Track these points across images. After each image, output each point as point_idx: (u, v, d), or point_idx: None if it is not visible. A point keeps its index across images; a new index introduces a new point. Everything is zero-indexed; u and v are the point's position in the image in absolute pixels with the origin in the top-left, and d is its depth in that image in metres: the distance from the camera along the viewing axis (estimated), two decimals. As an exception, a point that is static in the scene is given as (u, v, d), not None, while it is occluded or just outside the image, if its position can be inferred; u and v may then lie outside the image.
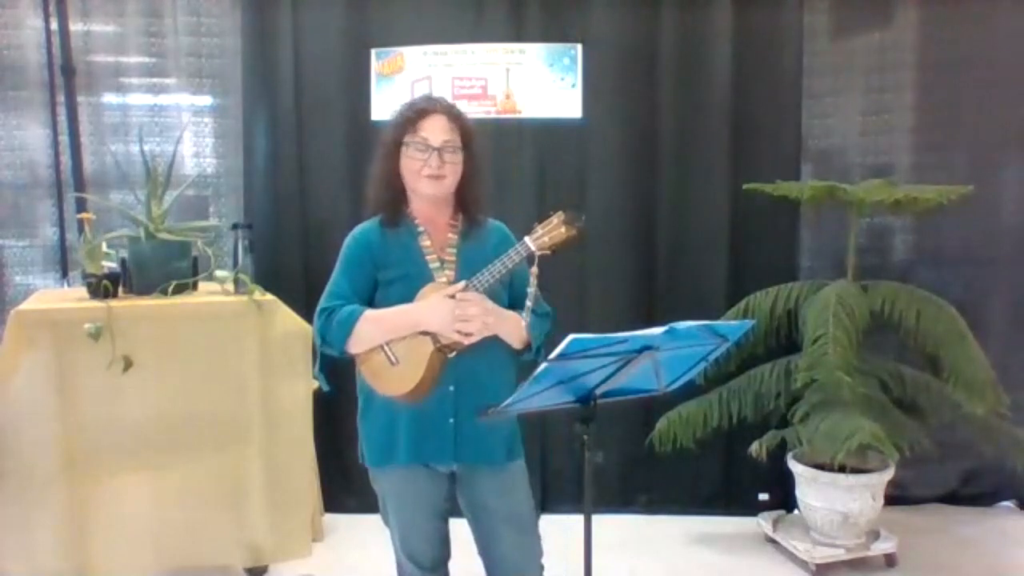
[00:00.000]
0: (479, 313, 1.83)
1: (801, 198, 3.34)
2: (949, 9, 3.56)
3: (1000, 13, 3.53)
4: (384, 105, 3.65)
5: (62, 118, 3.54)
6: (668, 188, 3.68)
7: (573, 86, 3.65)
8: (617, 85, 3.65)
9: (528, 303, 1.87)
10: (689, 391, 3.04)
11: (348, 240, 2.01)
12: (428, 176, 1.91)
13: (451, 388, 1.91)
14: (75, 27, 3.53)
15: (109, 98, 3.62)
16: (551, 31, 3.64)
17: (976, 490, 3.77)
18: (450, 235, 1.99)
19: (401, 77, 3.65)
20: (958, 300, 3.27)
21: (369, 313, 1.90)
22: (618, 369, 1.66)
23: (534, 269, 1.85)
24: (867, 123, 3.69)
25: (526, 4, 3.62)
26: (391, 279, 1.93)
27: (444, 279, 1.92)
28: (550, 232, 1.85)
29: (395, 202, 1.98)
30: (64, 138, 3.55)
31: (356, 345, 1.89)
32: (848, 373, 2.88)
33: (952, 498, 3.78)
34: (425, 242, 1.96)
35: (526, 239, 1.86)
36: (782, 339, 3.40)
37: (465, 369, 1.89)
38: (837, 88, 3.69)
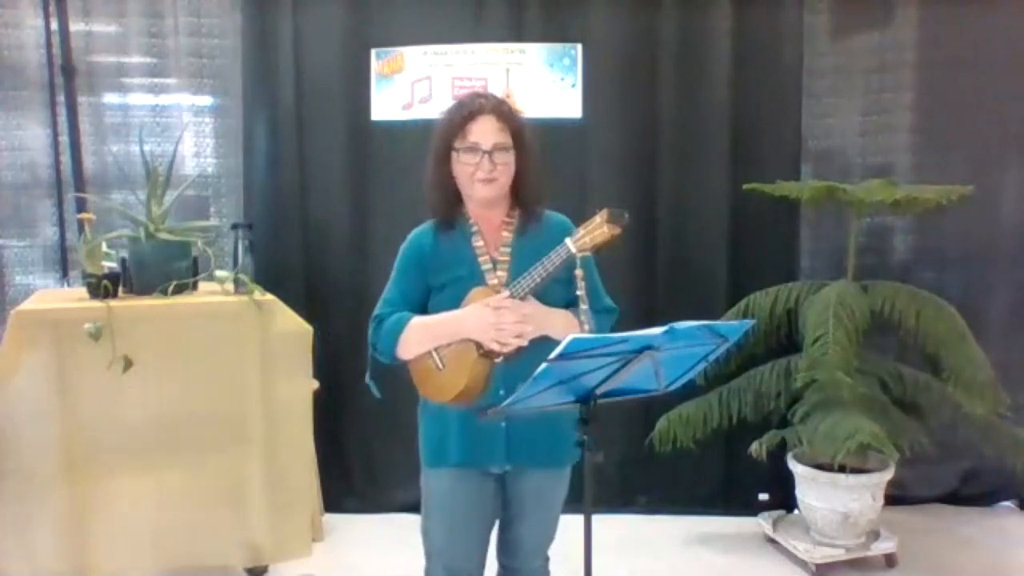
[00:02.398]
0: (515, 321, 1.81)
1: (801, 198, 3.34)
2: (949, 9, 3.56)
3: (1000, 13, 3.53)
4: (384, 105, 3.66)
5: (62, 118, 3.54)
6: (668, 188, 3.68)
7: (573, 86, 3.65)
8: (617, 85, 3.65)
9: (582, 306, 1.84)
10: (689, 391, 3.05)
11: (403, 248, 2.01)
12: (481, 180, 1.89)
13: (501, 392, 1.86)
14: (76, 27, 3.53)
15: (109, 98, 3.62)
16: (551, 31, 3.64)
17: (976, 490, 3.77)
18: (504, 233, 1.97)
19: (401, 77, 3.65)
20: (958, 300, 3.28)
21: (415, 321, 1.91)
22: (618, 369, 1.66)
23: (579, 272, 1.82)
24: (867, 123, 3.69)
25: (526, 4, 3.62)
26: (443, 283, 1.93)
27: (495, 280, 1.91)
28: (591, 232, 1.81)
29: (449, 206, 1.96)
30: (64, 138, 3.55)
31: (405, 352, 1.91)
32: (848, 373, 2.88)
33: (952, 498, 3.78)
34: (478, 242, 1.95)
35: (567, 241, 1.83)
36: (782, 339, 3.40)
37: (516, 373, 1.81)
38: (837, 88, 3.69)
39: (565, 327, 1.88)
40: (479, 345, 1.86)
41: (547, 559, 2.13)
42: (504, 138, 1.90)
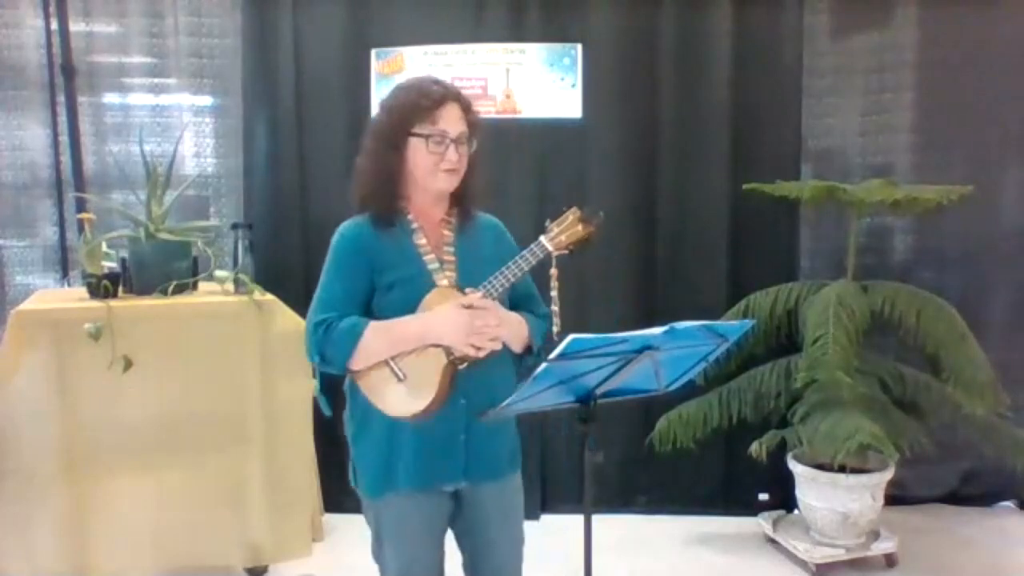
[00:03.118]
0: (496, 323, 1.72)
1: (801, 198, 3.34)
2: (949, 9, 3.56)
3: (1000, 13, 3.53)
4: (384, 105, 3.66)
5: (62, 118, 3.54)
6: (668, 188, 3.68)
7: (573, 86, 3.65)
8: (617, 85, 3.65)
9: (554, 307, 1.78)
10: (689, 391, 3.04)
11: (337, 241, 1.83)
12: (446, 171, 1.77)
13: (462, 401, 1.78)
14: (76, 27, 3.53)
15: (110, 98, 3.62)
16: (551, 31, 3.64)
17: (976, 490, 3.77)
18: (445, 232, 1.85)
19: (401, 77, 3.65)
20: (958, 300, 3.27)
21: (374, 325, 1.73)
22: (618, 369, 1.66)
23: (554, 271, 1.76)
24: (867, 123, 3.69)
25: (526, 4, 3.62)
26: (390, 283, 1.77)
27: (445, 281, 1.78)
28: (566, 231, 1.75)
29: (392, 198, 1.81)
30: (64, 138, 3.55)
31: (360, 361, 1.73)
32: (848, 373, 2.88)
33: (952, 498, 3.77)
34: (420, 240, 1.81)
35: (542, 239, 1.75)
36: (782, 339, 3.40)
37: (476, 380, 1.77)
38: (837, 88, 3.69)
39: (518, 330, 1.83)
40: (448, 350, 1.73)
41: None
42: (465, 128, 1.79)
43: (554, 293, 1.78)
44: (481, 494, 1.89)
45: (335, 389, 1.93)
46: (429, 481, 1.82)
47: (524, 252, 1.76)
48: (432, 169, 1.78)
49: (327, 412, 1.95)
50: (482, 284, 1.75)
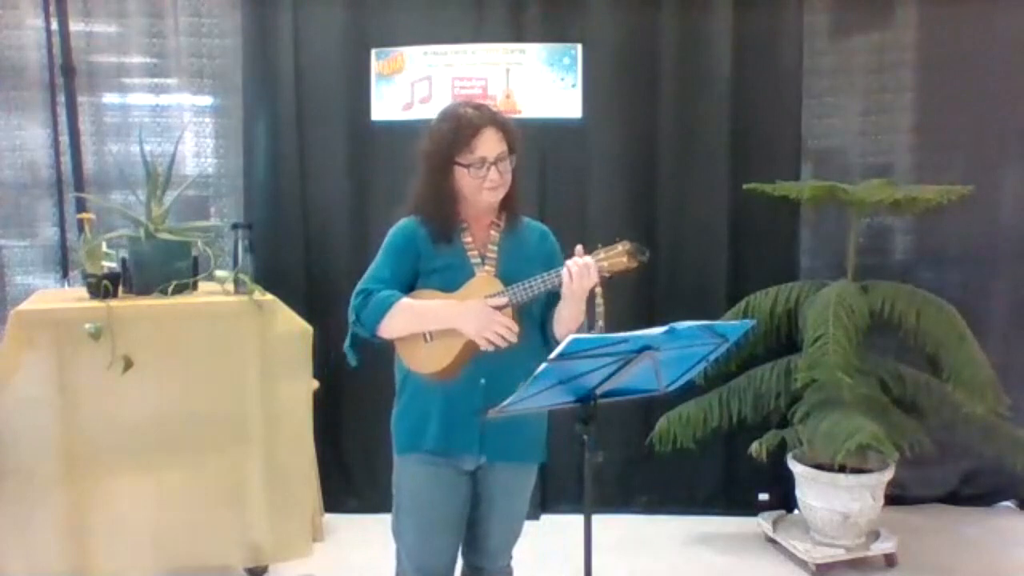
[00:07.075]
0: (514, 327, 1.85)
1: (801, 198, 3.34)
2: (949, 9, 3.56)
3: (1000, 13, 3.53)
4: (384, 105, 3.66)
5: (62, 118, 3.54)
6: (668, 188, 3.68)
7: (573, 86, 3.65)
8: (617, 85, 3.65)
9: (599, 322, 1.91)
10: (689, 391, 3.04)
11: (394, 229, 2.03)
12: (490, 189, 1.93)
13: (482, 382, 1.92)
14: (76, 27, 3.53)
15: (110, 98, 3.62)
16: (551, 31, 3.64)
17: (976, 490, 3.77)
18: (492, 233, 2.01)
19: (401, 77, 3.65)
20: (958, 300, 3.27)
21: (405, 301, 1.92)
22: (618, 369, 1.66)
23: (598, 289, 1.86)
24: (867, 123, 3.69)
25: (526, 4, 3.62)
26: (432, 269, 1.96)
27: (487, 270, 1.95)
28: (611, 258, 1.83)
29: (446, 214, 1.97)
30: (64, 138, 3.55)
31: (386, 330, 1.93)
32: (848, 373, 2.88)
33: (952, 498, 3.78)
34: (467, 238, 1.99)
35: (586, 259, 1.85)
36: (782, 339, 3.40)
37: (497, 364, 1.89)
38: (837, 88, 3.69)
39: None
40: None
41: (511, 558, 2.15)
42: (504, 147, 1.94)
43: (599, 309, 1.91)
44: (494, 471, 2.02)
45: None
46: (449, 446, 1.97)
47: (559, 268, 1.85)
48: (477, 190, 1.94)
49: (353, 363, 2.07)
50: (509, 287, 1.88)
